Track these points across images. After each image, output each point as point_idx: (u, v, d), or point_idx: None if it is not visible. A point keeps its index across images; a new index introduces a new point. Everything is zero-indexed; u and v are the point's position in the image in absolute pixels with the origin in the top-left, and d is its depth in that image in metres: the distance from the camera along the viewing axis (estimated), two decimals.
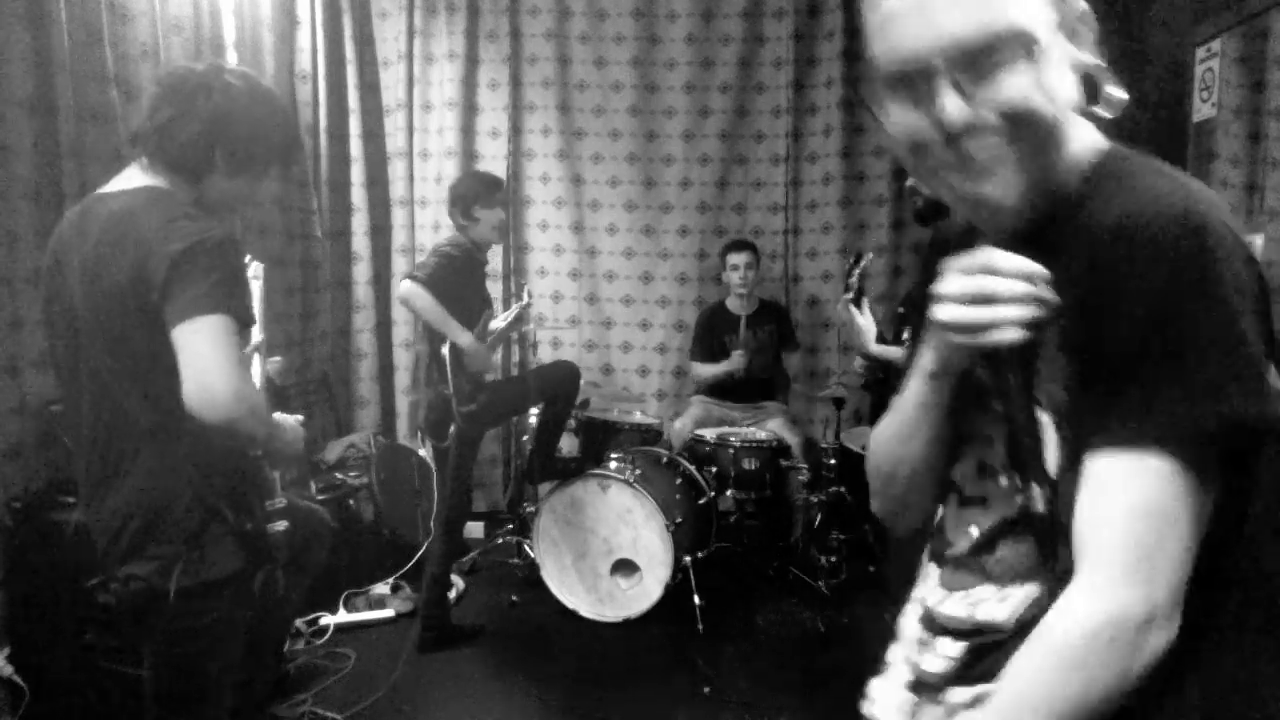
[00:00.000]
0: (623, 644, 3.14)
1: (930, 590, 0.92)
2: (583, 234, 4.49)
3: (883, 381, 2.84)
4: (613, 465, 3.37)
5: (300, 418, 1.68)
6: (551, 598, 3.35)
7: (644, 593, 3.25)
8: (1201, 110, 2.48)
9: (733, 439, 3.63)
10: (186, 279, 1.33)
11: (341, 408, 4.33)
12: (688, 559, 3.29)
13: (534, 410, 3.50)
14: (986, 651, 0.81)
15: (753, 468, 3.58)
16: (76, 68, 2.54)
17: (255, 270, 1.66)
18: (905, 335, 2.42)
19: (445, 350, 2.90)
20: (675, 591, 3.22)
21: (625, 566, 3.29)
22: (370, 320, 4.39)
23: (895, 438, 0.92)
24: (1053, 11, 0.75)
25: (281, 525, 1.54)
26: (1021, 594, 0.80)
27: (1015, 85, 0.72)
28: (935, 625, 0.89)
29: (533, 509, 3.58)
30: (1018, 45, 0.72)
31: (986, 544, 0.84)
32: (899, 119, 0.78)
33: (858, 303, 2.66)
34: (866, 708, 0.96)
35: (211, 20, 3.27)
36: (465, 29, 4.30)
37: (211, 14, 3.26)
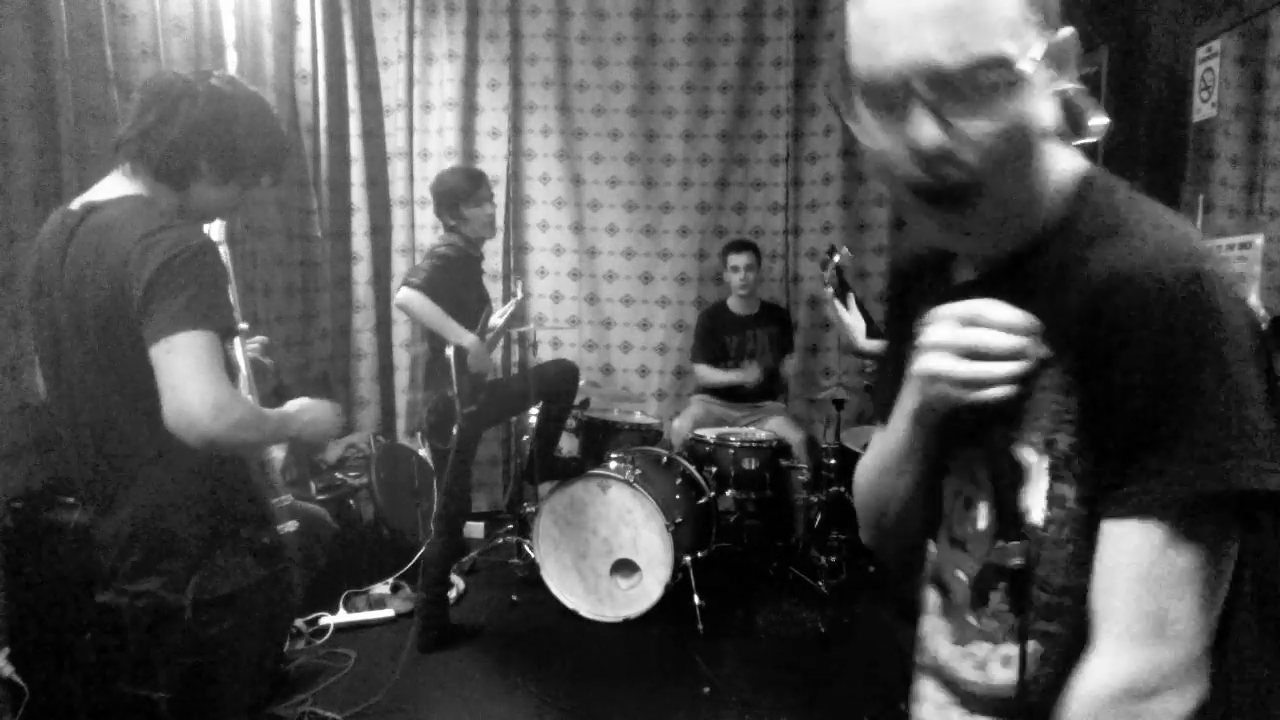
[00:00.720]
0: (623, 644, 3.14)
1: (939, 644, 0.88)
2: (583, 234, 4.48)
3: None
4: (613, 465, 3.37)
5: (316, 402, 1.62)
6: (551, 598, 3.35)
7: (644, 593, 3.24)
8: (1201, 110, 2.48)
9: (733, 439, 3.63)
10: (161, 297, 1.29)
11: (342, 408, 4.32)
12: (688, 559, 3.29)
13: (533, 410, 3.50)
14: None
15: (753, 468, 3.58)
16: (76, 68, 2.54)
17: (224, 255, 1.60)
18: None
19: (449, 352, 2.89)
20: (675, 591, 3.22)
21: (625, 566, 3.29)
22: (370, 320, 4.39)
23: (881, 472, 0.90)
24: (1039, 39, 0.71)
25: (292, 525, 1.52)
26: (1018, 652, 0.79)
27: (996, 115, 0.70)
28: (952, 687, 0.86)
29: (533, 509, 3.58)
30: (1001, 74, 0.69)
31: (980, 598, 0.82)
32: (871, 132, 0.75)
33: (843, 299, 2.62)
34: None
35: (211, 20, 3.26)
36: (465, 29, 4.30)
37: (211, 14, 3.26)
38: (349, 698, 2.69)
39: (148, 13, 2.87)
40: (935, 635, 0.89)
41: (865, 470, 0.94)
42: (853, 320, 2.60)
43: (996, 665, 0.80)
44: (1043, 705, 0.74)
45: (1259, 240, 2.22)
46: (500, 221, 4.08)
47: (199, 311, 1.31)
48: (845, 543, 3.59)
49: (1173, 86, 2.64)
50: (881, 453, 0.91)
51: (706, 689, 2.78)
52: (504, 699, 2.76)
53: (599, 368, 4.51)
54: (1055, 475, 0.74)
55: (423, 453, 3.88)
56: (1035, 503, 0.75)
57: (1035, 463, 0.75)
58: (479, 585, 3.71)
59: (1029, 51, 0.70)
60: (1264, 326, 0.70)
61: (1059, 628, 0.75)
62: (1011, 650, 0.79)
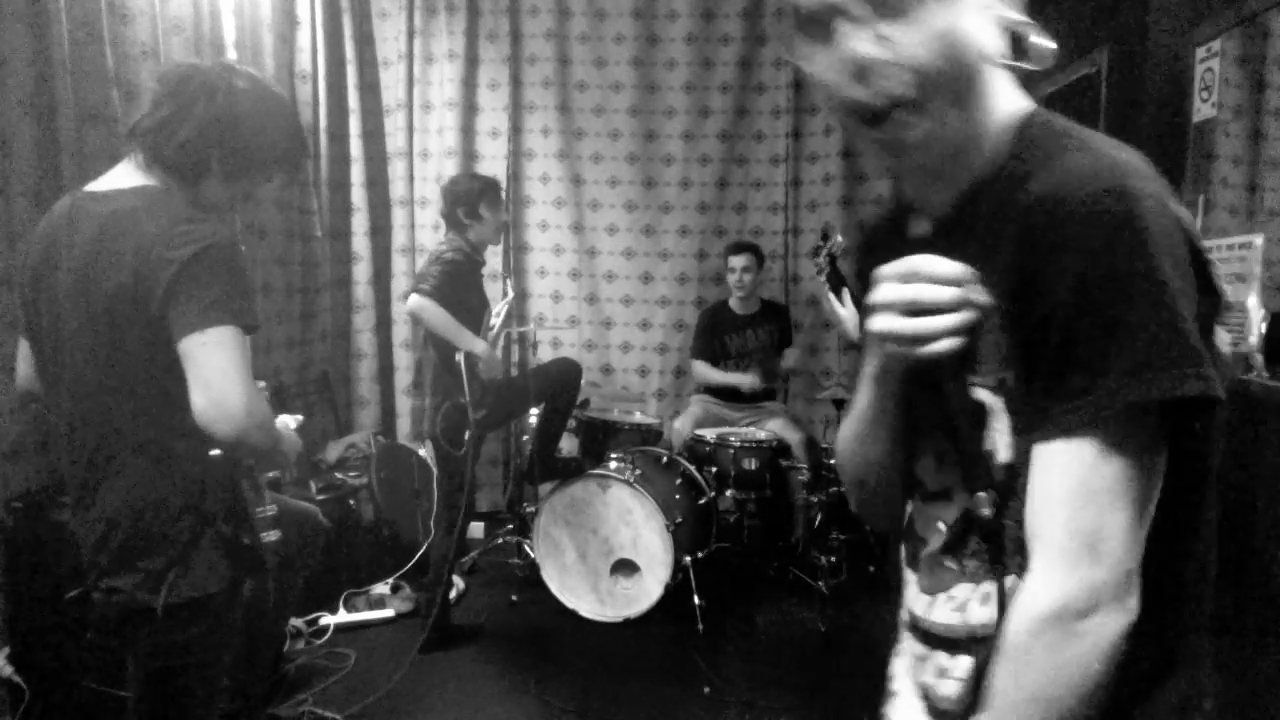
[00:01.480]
0: (623, 644, 3.14)
1: (914, 598, 0.89)
2: (583, 234, 4.48)
3: None
4: (613, 465, 3.37)
5: (300, 418, 1.66)
6: (551, 598, 3.35)
7: (644, 593, 3.24)
8: (1201, 110, 2.48)
9: (733, 439, 3.63)
10: (193, 287, 1.28)
11: (341, 408, 4.32)
12: (688, 559, 3.29)
13: (534, 410, 3.50)
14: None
15: (753, 468, 3.58)
16: (76, 68, 2.54)
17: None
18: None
19: (459, 358, 2.88)
20: (675, 591, 3.22)
21: (625, 566, 3.29)
22: (370, 320, 4.39)
23: (856, 440, 0.91)
24: None
25: (273, 535, 1.51)
26: (999, 589, 0.79)
27: (925, 25, 0.69)
28: (930, 637, 0.86)
29: (533, 509, 3.58)
30: None
31: (958, 540, 0.82)
32: (810, 57, 0.75)
33: (837, 291, 2.58)
34: None
35: (211, 20, 3.27)
36: (465, 29, 4.30)
37: (211, 14, 3.26)
38: (349, 698, 2.69)
39: (148, 13, 2.87)
40: (912, 588, 0.89)
41: (843, 441, 0.95)
42: (846, 314, 2.56)
43: (976, 604, 0.80)
44: None
45: (1259, 240, 2.22)
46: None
47: (234, 306, 1.31)
48: (845, 543, 3.59)
49: (1173, 86, 2.64)
50: (854, 421, 0.91)
51: (706, 689, 2.78)
52: (504, 699, 2.76)
53: (599, 368, 4.51)
54: (1012, 412, 0.75)
55: (423, 453, 3.88)
56: (1000, 441, 0.76)
57: (992, 403, 0.76)
58: (479, 585, 3.71)
59: None
60: (1195, 241, 0.68)
61: None
62: (990, 587, 0.78)
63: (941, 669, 0.84)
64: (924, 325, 0.73)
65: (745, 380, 3.94)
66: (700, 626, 3.17)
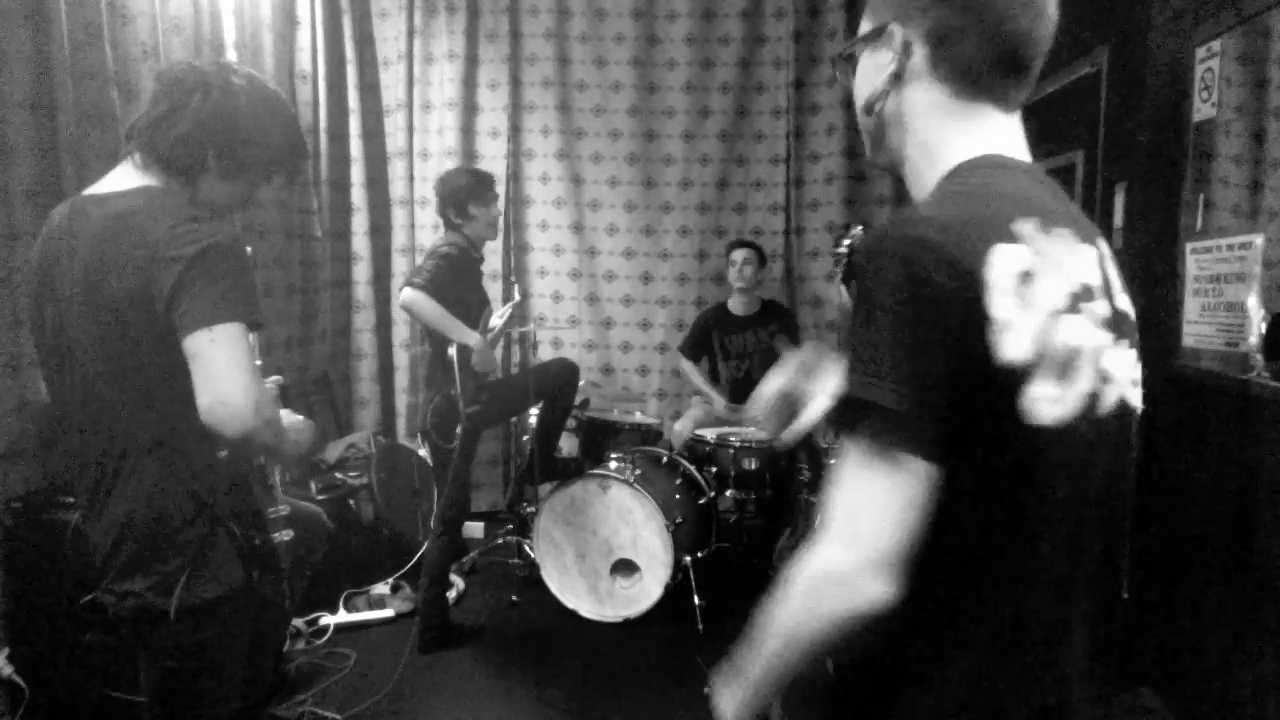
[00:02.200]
0: (623, 644, 3.14)
1: None
2: (583, 234, 4.48)
3: None
4: (613, 465, 3.37)
5: (300, 419, 1.66)
6: (551, 598, 3.35)
7: (644, 593, 3.24)
8: (1201, 110, 2.48)
9: (733, 439, 3.63)
10: (199, 285, 1.28)
11: (341, 408, 4.32)
12: (688, 559, 3.29)
13: (533, 410, 3.50)
14: None
15: (753, 468, 3.58)
16: (76, 68, 2.54)
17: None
18: None
19: (452, 352, 2.89)
20: (675, 591, 3.22)
21: (625, 566, 3.29)
22: (370, 320, 4.39)
23: None
24: (922, 18, 0.85)
25: (287, 535, 1.51)
26: None
27: (853, 90, 0.92)
28: None
29: (533, 509, 3.58)
30: (841, 64, 0.92)
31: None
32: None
33: (847, 283, 2.58)
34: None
35: (211, 20, 3.27)
36: (465, 29, 4.30)
37: (211, 14, 3.27)
38: (349, 698, 2.69)
39: (148, 13, 2.87)
40: None
41: None
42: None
43: None
44: None
45: (1259, 240, 2.22)
46: (500, 221, 4.08)
47: (239, 304, 1.30)
48: None
49: (1173, 86, 2.64)
50: None
51: (706, 689, 2.77)
52: (504, 699, 2.76)
53: (599, 368, 4.51)
54: None
55: (423, 453, 3.88)
56: None
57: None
58: (479, 585, 3.71)
59: (910, 33, 0.86)
60: (935, 287, 0.73)
61: None
62: None
63: None
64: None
65: (715, 405, 3.93)
66: (700, 626, 3.17)
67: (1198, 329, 2.47)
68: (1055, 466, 0.77)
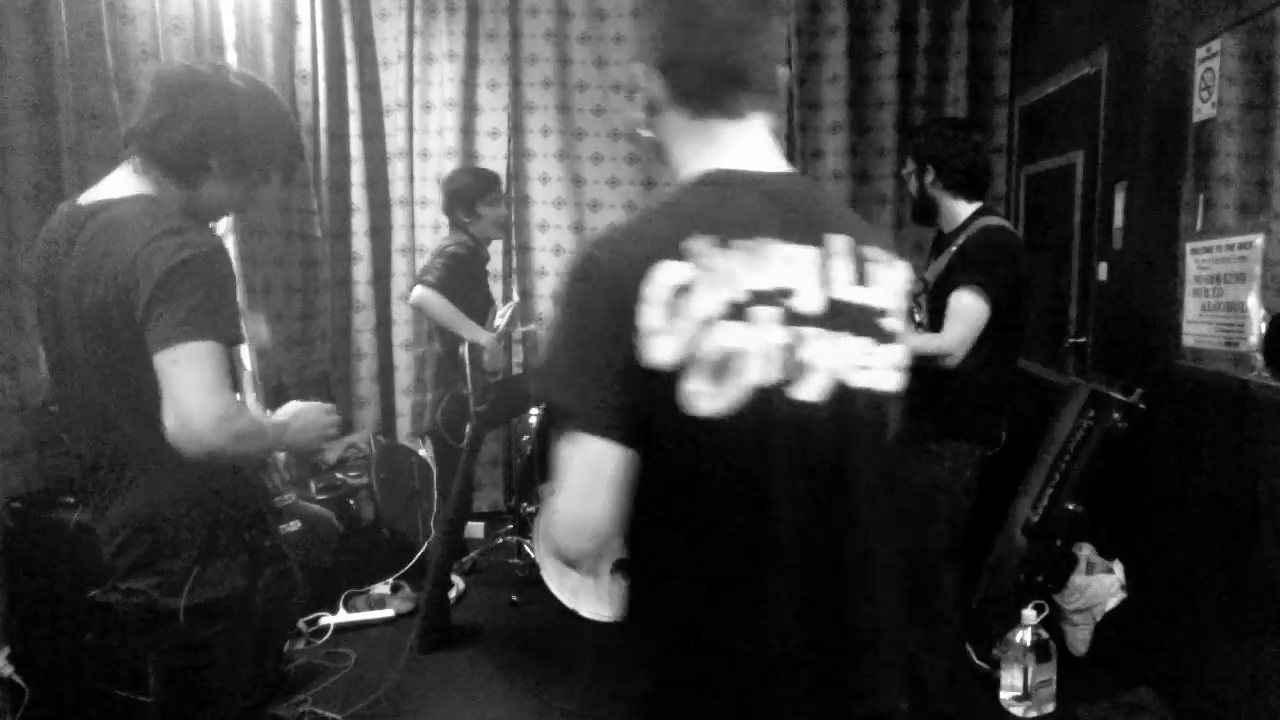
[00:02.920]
0: (623, 644, 3.14)
1: None
2: (583, 234, 4.48)
3: None
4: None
5: (331, 406, 1.61)
6: (551, 598, 3.34)
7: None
8: (1201, 110, 2.47)
9: None
10: (167, 304, 1.26)
11: (341, 408, 4.32)
12: None
13: (534, 410, 3.50)
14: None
15: None
16: (76, 68, 2.54)
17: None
18: (918, 318, 2.39)
19: (464, 350, 2.89)
20: None
21: (625, 566, 3.28)
22: (370, 320, 4.38)
23: None
24: (655, 53, 0.99)
25: (294, 525, 1.51)
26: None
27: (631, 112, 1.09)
28: None
29: (533, 509, 3.58)
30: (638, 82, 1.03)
31: None
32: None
33: None
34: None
35: (211, 20, 3.27)
36: (465, 29, 4.30)
37: (211, 14, 3.27)
38: (349, 698, 2.69)
39: (148, 13, 2.87)
40: None
41: None
42: None
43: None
44: None
45: (1259, 240, 2.22)
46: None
47: (205, 321, 1.28)
48: None
49: (1173, 86, 2.64)
50: None
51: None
52: (504, 699, 2.76)
53: None
54: None
55: (423, 453, 3.88)
56: None
57: None
58: (479, 585, 3.71)
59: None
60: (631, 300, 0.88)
61: None
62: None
63: None
64: None
65: None
66: None
67: (1198, 329, 2.47)
68: (724, 450, 0.89)
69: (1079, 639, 2.91)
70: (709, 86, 0.96)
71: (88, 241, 1.34)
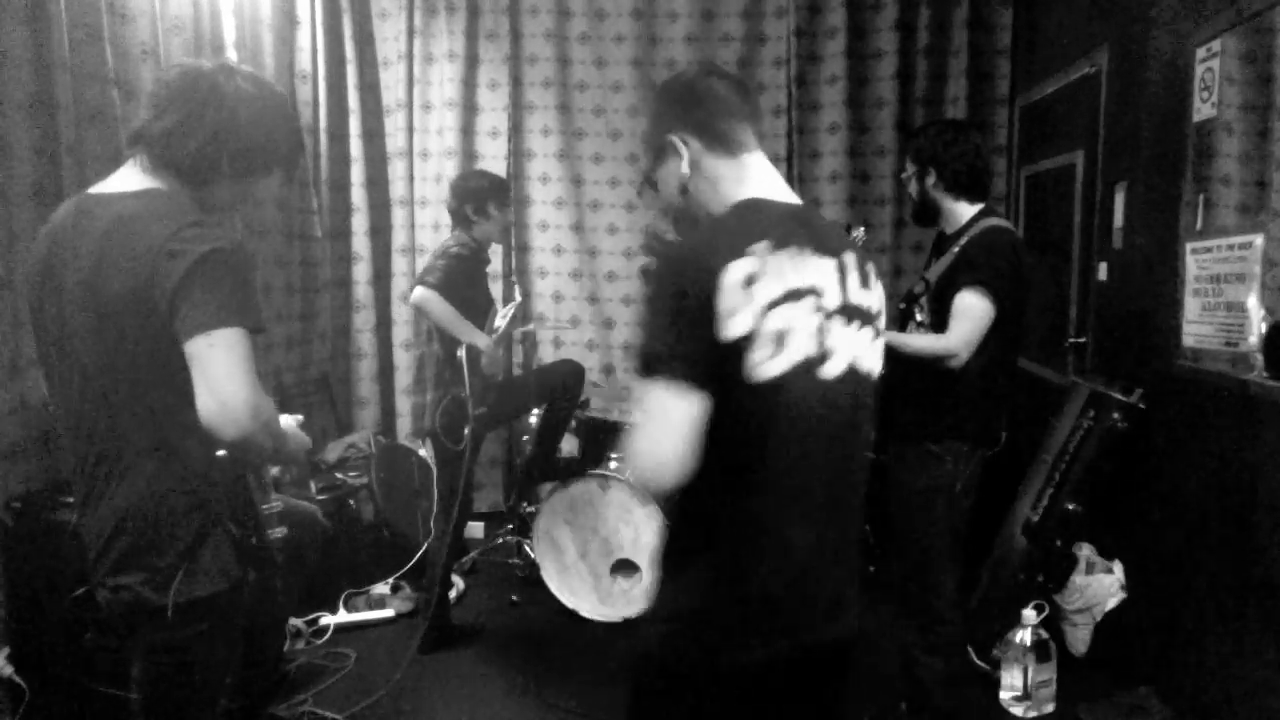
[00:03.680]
0: (623, 644, 3.14)
1: None
2: (583, 234, 4.48)
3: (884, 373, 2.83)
4: (613, 465, 3.37)
5: (299, 418, 1.66)
6: (551, 598, 3.35)
7: (644, 593, 3.24)
8: (1201, 110, 2.47)
9: None
10: (201, 289, 1.29)
11: (341, 408, 4.33)
12: None
13: (535, 410, 3.50)
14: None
15: None
16: (76, 68, 2.54)
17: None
18: (920, 319, 2.39)
19: (461, 353, 2.89)
20: None
21: (625, 566, 3.29)
22: (370, 320, 4.39)
23: None
24: (688, 120, 1.27)
25: (280, 531, 1.52)
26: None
27: (663, 181, 1.34)
28: None
29: (533, 509, 3.58)
30: (662, 157, 1.31)
31: None
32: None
33: None
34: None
35: (211, 20, 3.27)
36: (465, 29, 4.30)
37: (211, 14, 3.27)
38: (349, 698, 2.69)
39: (148, 13, 2.87)
40: None
41: None
42: None
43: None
44: None
45: (1259, 240, 2.22)
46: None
47: (239, 308, 1.32)
48: None
49: (1173, 86, 2.64)
50: None
51: None
52: (504, 699, 2.76)
53: (600, 368, 4.51)
54: None
55: (423, 453, 3.88)
56: None
57: None
58: (479, 585, 3.71)
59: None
60: (690, 287, 1.10)
61: None
62: None
63: None
64: None
65: None
66: None
67: (1198, 329, 2.47)
68: (778, 407, 1.12)
69: (1079, 639, 2.91)
70: (731, 128, 1.26)
71: (102, 231, 1.35)
